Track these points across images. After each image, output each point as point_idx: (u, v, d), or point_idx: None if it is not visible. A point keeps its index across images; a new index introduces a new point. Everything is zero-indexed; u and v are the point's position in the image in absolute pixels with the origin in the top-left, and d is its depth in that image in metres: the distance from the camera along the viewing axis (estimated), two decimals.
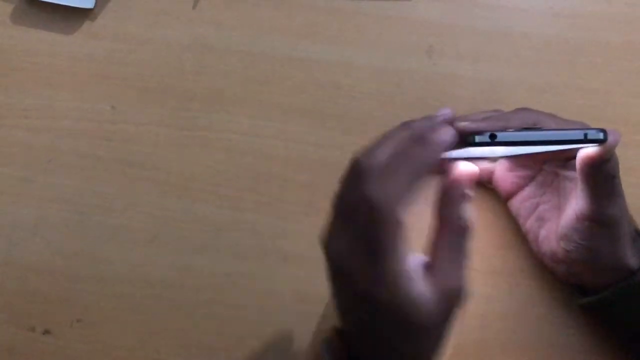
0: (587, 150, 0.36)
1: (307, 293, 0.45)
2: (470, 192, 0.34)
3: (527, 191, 0.44)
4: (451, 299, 0.33)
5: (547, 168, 0.43)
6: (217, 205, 0.47)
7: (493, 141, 0.33)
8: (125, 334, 0.46)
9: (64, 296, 0.46)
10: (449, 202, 0.34)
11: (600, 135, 0.34)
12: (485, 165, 0.45)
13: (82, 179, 0.47)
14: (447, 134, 0.33)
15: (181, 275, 0.46)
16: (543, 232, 0.42)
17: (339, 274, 0.34)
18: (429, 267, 0.33)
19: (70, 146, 0.48)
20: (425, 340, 0.34)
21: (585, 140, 0.34)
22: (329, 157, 0.47)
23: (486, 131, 0.33)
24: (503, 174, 0.44)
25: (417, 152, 0.32)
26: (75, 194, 0.47)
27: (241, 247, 0.46)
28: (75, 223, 0.47)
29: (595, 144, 0.35)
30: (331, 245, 0.34)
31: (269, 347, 0.45)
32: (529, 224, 0.43)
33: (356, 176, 0.33)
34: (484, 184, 0.46)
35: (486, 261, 0.46)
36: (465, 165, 0.34)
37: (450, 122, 0.36)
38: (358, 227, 0.32)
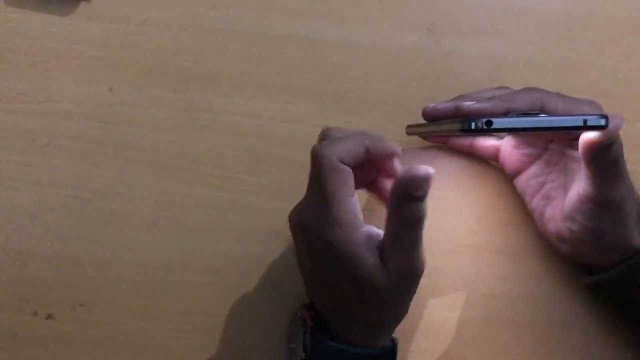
0: (589, 135, 0.36)
1: None
2: (424, 192, 0.35)
3: (533, 170, 0.43)
4: (402, 275, 0.35)
5: (554, 147, 0.42)
6: (218, 188, 0.46)
7: (489, 128, 0.32)
8: (127, 317, 0.46)
9: (65, 281, 0.46)
10: (395, 197, 0.35)
11: (602, 122, 0.33)
12: (492, 141, 0.45)
13: (81, 163, 0.47)
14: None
15: (183, 258, 0.46)
16: (549, 211, 0.42)
17: (299, 233, 0.37)
18: (382, 247, 0.36)
19: (68, 130, 0.47)
20: (377, 303, 0.36)
21: (585, 127, 0.33)
22: None
23: (484, 117, 0.32)
24: (509, 152, 0.44)
25: (363, 133, 0.36)
26: (74, 178, 0.47)
27: (243, 230, 0.46)
28: (75, 207, 0.47)
29: (596, 130, 0.34)
30: (298, 213, 0.37)
31: (272, 328, 0.45)
32: (534, 203, 0.43)
33: (313, 156, 0.36)
34: (489, 161, 0.46)
35: (491, 240, 0.45)
36: (424, 167, 0.35)
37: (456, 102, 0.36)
38: (312, 183, 0.36)
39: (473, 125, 0.32)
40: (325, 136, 0.38)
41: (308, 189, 0.37)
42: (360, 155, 0.36)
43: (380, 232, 0.37)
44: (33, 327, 0.46)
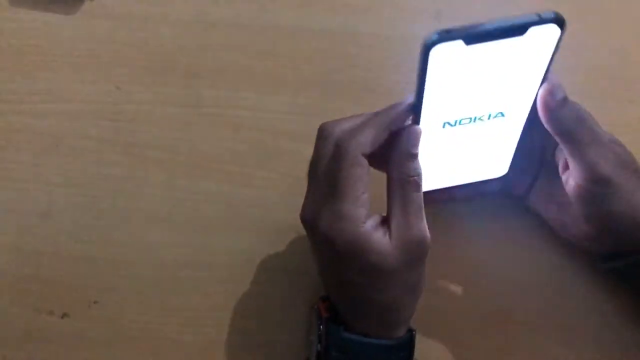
0: (542, 94, 0.35)
1: None
2: (415, 150, 0.35)
3: (538, 185, 0.43)
4: (411, 249, 0.35)
5: (548, 163, 0.42)
6: (228, 183, 0.47)
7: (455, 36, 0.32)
8: (142, 314, 0.46)
9: (79, 279, 0.46)
10: (396, 160, 0.35)
11: (552, 15, 0.32)
12: None
13: (91, 162, 0.47)
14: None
15: (194, 254, 0.46)
16: (567, 218, 0.41)
17: (307, 230, 0.37)
18: (386, 221, 0.35)
19: (77, 129, 0.47)
20: (391, 286, 0.36)
21: (541, 21, 0.32)
22: None
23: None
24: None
25: (380, 114, 0.35)
26: (85, 177, 0.47)
27: (254, 224, 0.46)
28: (86, 206, 0.47)
29: (551, 24, 0.32)
30: (304, 209, 0.37)
31: (288, 322, 0.45)
32: (551, 215, 0.42)
33: (322, 136, 0.36)
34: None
35: (507, 227, 0.45)
36: (411, 127, 0.36)
37: None
38: (323, 173, 0.35)
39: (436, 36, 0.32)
40: (326, 132, 0.37)
41: (313, 183, 0.37)
42: (382, 140, 0.35)
43: (383, 216, 0.37)
44: (49, 326, 0.46)
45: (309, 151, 0.46)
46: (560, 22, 0.32)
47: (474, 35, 0.32)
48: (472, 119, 0.36)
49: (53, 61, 0.48)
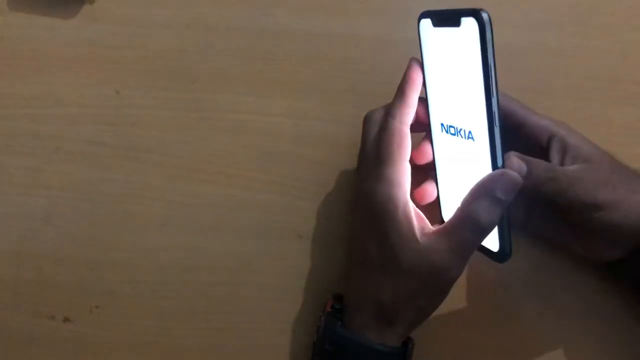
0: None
1: (322, 270, 0.45)
2: (494, 192, 0.34)
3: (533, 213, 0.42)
4: (425, 269, 0.36)
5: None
6: (228, 186, 0.47)
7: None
8: (143, 318, 0.46)
9: (80, 284, 0.46)
10: (470, 193, 0.35)
11: (474, 9, 0.33)
12: None
13: (91, 166, 0.47)
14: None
15: (195, 257, 0.46)
16: (569, 238, 0.41)
17: (359, 195, 0.39)
18: (435, 233, 0.36)
19: (77, 133, 0.47)
20: (395, 282, 0.37)
21: (465, 13, 0.33)
22: (338, 132, 0.46)
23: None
24: None
25: (398, 86, 0.39)
26: (85, 181, 0.47)
27: (254, 227, 0.46)
28: (86, 211, 0.47)
29: (470, 18, 0.33)
30: (358, 182, 0.40)
31: (286, 325, 0.45)
32: (553, 238, 0.42)
33: (367, 121, 0.40)
34: None
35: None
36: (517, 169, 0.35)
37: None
38: (371, 149, 0.38)
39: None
40: (372, 118, 0.40)
41: (363, 162, 0.39)
42: (413, 105, 0.38)
43: (419, 213, 0.38)
44: (52, 331, 0.46)
45: (309, 154, 0.46)
46: (477, 16, 0.32)
47: (433, 17, 0.35)
48: (456, 129, 0.37)
49: (52, 66, 0.48)
